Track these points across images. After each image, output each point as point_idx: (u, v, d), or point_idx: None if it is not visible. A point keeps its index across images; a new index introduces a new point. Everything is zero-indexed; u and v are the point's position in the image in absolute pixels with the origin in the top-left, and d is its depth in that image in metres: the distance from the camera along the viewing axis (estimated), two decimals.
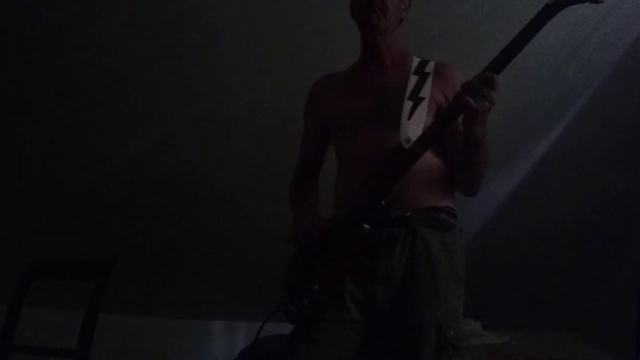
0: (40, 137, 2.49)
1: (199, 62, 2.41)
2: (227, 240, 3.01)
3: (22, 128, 2.44)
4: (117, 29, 2.24)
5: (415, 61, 1.36)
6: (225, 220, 2.94)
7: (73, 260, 2.13)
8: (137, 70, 2.39)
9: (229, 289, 3.23)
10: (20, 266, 2.07)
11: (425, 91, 1.28)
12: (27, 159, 2.53)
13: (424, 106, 1.26)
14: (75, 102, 2.42)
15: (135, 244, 2.84)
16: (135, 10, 2.20)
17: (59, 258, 2.12)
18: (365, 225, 1.18)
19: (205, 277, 3.15)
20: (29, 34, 2.17)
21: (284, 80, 2.43)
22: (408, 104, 1.26)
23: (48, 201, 2.63)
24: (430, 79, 1.31)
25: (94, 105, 2.45)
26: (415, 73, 1.32)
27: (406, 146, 1.19)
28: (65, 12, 2.13)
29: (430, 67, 1.33)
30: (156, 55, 2.36)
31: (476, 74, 1.10)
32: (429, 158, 1.26)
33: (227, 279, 3.16)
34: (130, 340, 3.14)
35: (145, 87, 2.45)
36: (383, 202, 1.18)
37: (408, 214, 1.21)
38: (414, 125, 1.23)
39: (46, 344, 1.92)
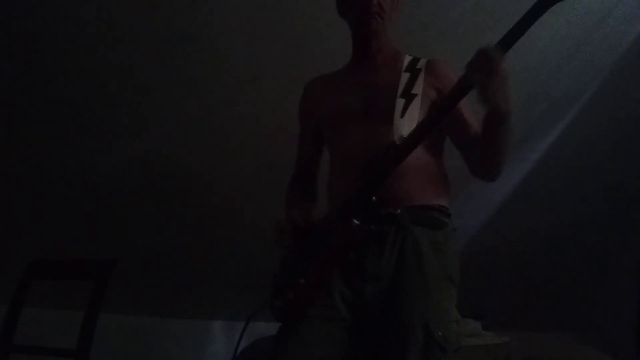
0: (40, 137, 2.49)
1: (198, 64, 2.42)
2: (227, 240, 3.01)
3: (22, 128, 2.44)
4: (117, 30, 2.24)
5: (407, 59, 1.35)
6: (225, 220, 2.94)
7: (73, 260, 2.13)
8: (137, 71, 2.39)
9: (229, 289, 3.23)
10: (20, 266, 2.07)
11: (418, 88, 1.28)
12: (27, 159, 2.53)
13: (416, 103, 1.26)
14: (75, 102, 2.42)
15: (135, 244, 2.84)
16: (135, 11, 2.20)
17: (59, 258, 2.12)
18: (354, 221, 1.17)
19: (205, 277, 3.15)
20: (30, 34, 2.17)
21: (283, 81, 2.42)
22: (400, 102, 1.25)
23: (48, 201, 2.63)
24: (422, 75, 1.30)
25: (94, 106, 2.45)
26: (406, 70, 1.32)
27: (399, 143, 1.18)
28: (67, 12, 2.13)
29: (421, 64, 1.33)
30: (156, 57, 2.36)
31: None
32: (423, 156, 1.26)
33: (227, 279, 3.16)
34: (130, 340, 3.14)
35: (144, 87, 2.45)
36: (373, 198, 1.17)
37: (399, 211, 1.20)
38: (408, 122, 1.22)
39: (46, 344, 1.92)
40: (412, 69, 1.32)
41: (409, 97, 1.26)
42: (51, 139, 2.50)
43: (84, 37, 2.22)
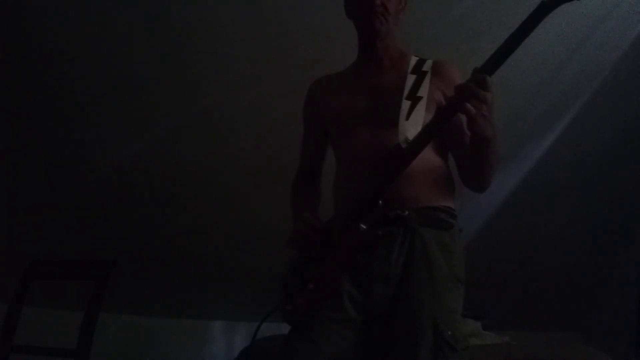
0: (41, 137, 2.49)
1: (198, 64, 2.42)
2: (227, 240, 3.01)
3: (22, 128, 2.44)
4: (117, 31, 2.24)
5: (413, 60, 1.35)
6: (225, 220, 2.94)
7: (73, 260, 2.13)
8: (137, 72, 2.39)
9: (229, 289, 3.23)
10: (20, 266, 2.07)
11: (423, 90, 1.28)
12: (27, 159, 2.53)
13: (422, 105, 1.26)
14: (75, 103, 2.43)
15: (135, 244, 2.84)
16: (136, 12, 2.20)
17: (59, 258, 2.12)
18: (361, 225, 1.17)
19: (206, 277, 3.15)
20: (31, 35, 2.17)
21: (283, 81, 2.42)
22: (406, 104, 1.25)
23: (48, 201, 2.63)
24: (428, 77, 1.30)
25: (94, 106, 2.45)
26: (413, 72, 1.32)
27: (404, 146, 1.18)
28: (67, 13, 2.13)
29: (427, 66, 1.33)
30: (156, 56, 2.36)
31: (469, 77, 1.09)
32: (430, 158, 1.26)
33: (226, 279, 3.16)
34: (130, 340, 3.14)
35: (144, 87, 2.45)
36: (380, 202, 1.18)
37: (406, 213, 1.20)
38: (413, 125, 1.22)
39: (46, 344, 1.92)
40: (418, 71, 1.32)
41: (414, 99, 1.26)
42: (51, 140, 2.50)
43: (85, 37, 2.22)
